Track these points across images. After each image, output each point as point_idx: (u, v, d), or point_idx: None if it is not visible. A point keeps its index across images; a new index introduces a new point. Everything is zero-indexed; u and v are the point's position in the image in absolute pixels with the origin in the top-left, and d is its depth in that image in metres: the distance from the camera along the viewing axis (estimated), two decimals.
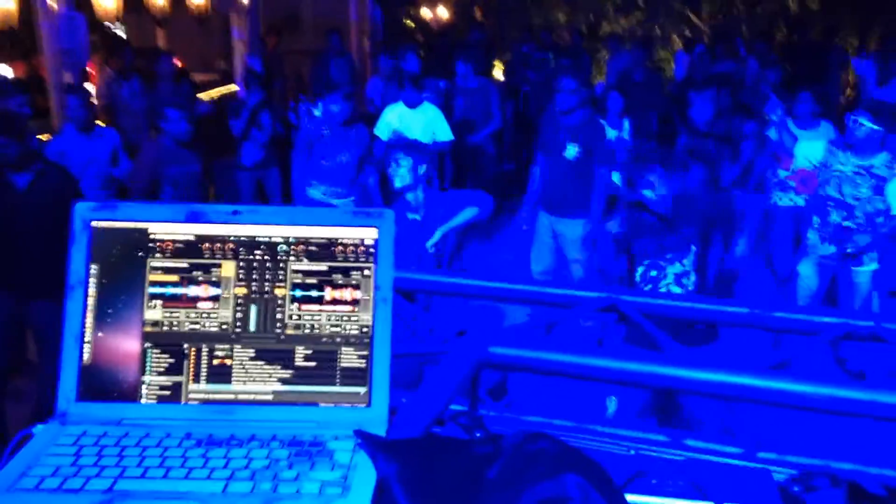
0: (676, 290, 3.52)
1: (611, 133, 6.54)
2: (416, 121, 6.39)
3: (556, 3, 14.00)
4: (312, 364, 0.97)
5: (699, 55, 9.51)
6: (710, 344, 3.57)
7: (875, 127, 4.71)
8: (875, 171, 4.73)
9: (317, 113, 7.84)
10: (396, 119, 6.38)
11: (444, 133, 6.52)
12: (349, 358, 0.97)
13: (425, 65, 9.17)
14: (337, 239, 0.99)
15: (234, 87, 9.86)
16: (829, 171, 4.86)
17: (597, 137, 5.53)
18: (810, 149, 5.39)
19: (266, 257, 0.98)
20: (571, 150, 5.51)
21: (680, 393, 2.78)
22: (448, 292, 1.42)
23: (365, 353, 0.97)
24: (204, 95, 9.25)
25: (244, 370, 0.97)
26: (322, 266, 0.99)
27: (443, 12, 15.68)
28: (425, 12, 15.66)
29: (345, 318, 0.98)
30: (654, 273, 3.57)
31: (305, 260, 0.99)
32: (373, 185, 5.76)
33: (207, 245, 0.98)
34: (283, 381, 0.97)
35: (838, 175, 4.82)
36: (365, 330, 0.98)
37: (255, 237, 0.99)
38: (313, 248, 0.99)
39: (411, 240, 3.88)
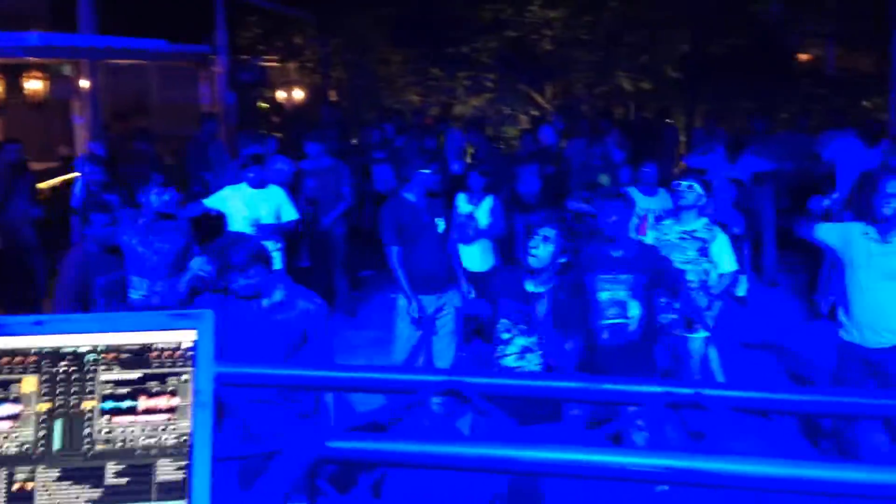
0: (521, 364, 3.61)
1: (466, 208, 6.72)
2: (261, 202, 6.35)
3: (409, 85, 14.42)
4: (124, 480, 0.91)
5: (530, 135, 9.96)
6: (557, 421, 3.65)
7: (701, 191, 5.07)
8: (697, 235, 5.08)
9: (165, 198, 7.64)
10: (241, 201, 6.31)
11: (289, 213, 6.51)
12: (166, 470, 0.92)
13: (280, 146, 9.18)
14: (151, 344, 0.95)
15: (77, 174, 9.46)
16: (658, 243, 5.13)
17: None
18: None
19: (72, 369, 0.93)
20: (441, 225, 5.64)
21: (530, 476, 2.87)
22: (281, 385, 1.38)
23: (183, 463, 0.92)
24: (44, 185, 8.80)
25: (48, 493, 0.89)
26: (135, 374, 0.94)
27: (297, 94, 15.82)
28: (280, 94, 15.74)
29: (161, 428, 0.93)
30: (506, 336, 3.65)
31: (117, 369, 0.94)
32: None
33: (6, 359, 0.91)
34: (93, 503, 0.90)
35: (666, 244, 5.11)
36: (184, 439, 0.93)
37: (59, 348, 0.93)
38: (126, 355, 0.94)
39: (264, 327, 3.77)
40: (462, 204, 6.79)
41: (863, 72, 12.67)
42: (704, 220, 5.12)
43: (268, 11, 13.66)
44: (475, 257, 6.33)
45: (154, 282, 5.25)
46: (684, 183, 5.08)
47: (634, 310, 4.30)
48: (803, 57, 13.78)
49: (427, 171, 5.65)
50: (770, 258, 8.07)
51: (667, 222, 5.17)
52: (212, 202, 6.50)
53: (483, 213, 6.69)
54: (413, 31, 13.47)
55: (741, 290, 5.98)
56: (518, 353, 3.65)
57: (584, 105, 12.92)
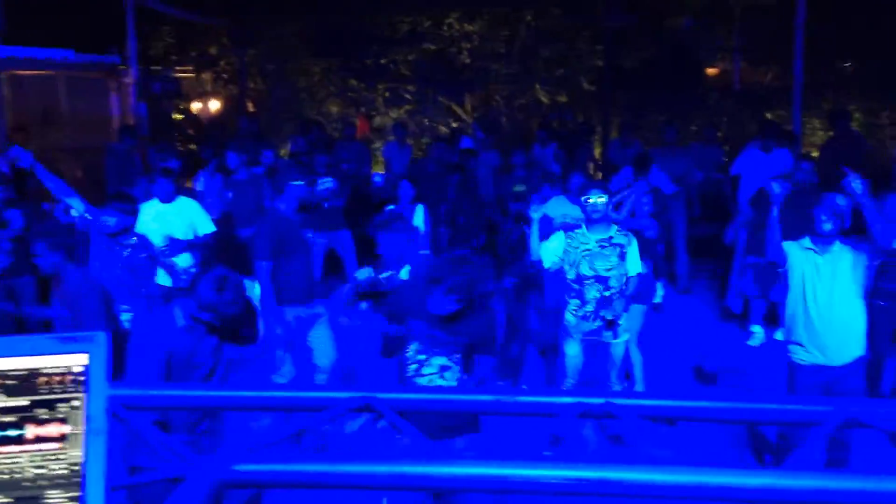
0: (440, 381, 3.60)
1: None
2: (173, 216, 6.19)
3: (328, 95, 14.31)
4: None
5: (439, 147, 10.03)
6: (473, 433, 3.66)
7: (604, 199, 5.17)
8: (615, 241, 5.18)
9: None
10: (153, 217, 6.13)
11: (205, 226, 6.36)
12: (56, 502, 0.87)
13: (197, 158, 8.96)
14: (39, 369, 0.90)
15: None
16: (575, 252, 5.21)
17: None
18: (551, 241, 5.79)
19: None
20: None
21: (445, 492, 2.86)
22: (185, 406, 1.33)
23: (75, 494, 0.88)
24: None
25: None
26: (22, 401, 0.89)
27: (214, 105, 15.49)
28: (195, 105, 15.38)
29: (51, 458, 0.88)
30: (422, 357, 3.64)
31: (2, 395, 0.88)
32: None
33: None
34: None
35: (587, 253, 5.19)
36: (75, 468, 0.88)
37: None
38: (11, 381, 0.89)
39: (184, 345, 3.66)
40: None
41: (767, 85, 13.24)
42: (615, 226, 5.24)
43: (181, 21, 13.34)
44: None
45: None
46: (594, 195, 5.17)
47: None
48: (712, 71, 14.31)
49: (299, 182, 5.61)
50: (682, 266, 8.31)
51: (580, 231, 5.25)
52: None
53: (417, 222, 6.67)
54: (333, 42, 13.39)
55: (657, 298, 6.12)
56: (437, 372, 3.64)
57: (503, 117, 13.09)
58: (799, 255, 4.44)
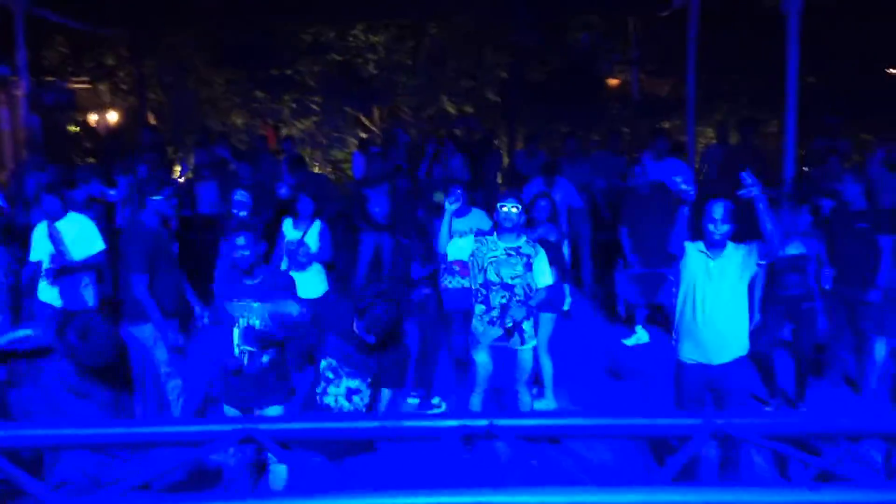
0: (345, 404, 3.58)
1: (294, 234, 6.63)
2: (64, 233, 5.97)
3: (233, 107, 14.06)
4: None
5: (372, 155, 10.10)
6: (369, 452, 3.66)
7: (518, 209, 5.26)
8: (522, 251, 5.27)
9: None
10: (41, 232, 5.91)
11: (97, 244, 6.16)
12: None
13: (91, 170, 8.63)
14: None
15: None
16: (483, 258, 5.28)
17: None
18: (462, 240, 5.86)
19: None
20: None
21: None
22: (59, 446, 1.28)
23: None
24: None
25: None
26: None
27: (112, 117, 14.98)
28: (92, 117, 14.84)
29: None
30: (330, 375, 3.61)
31: None
32: None
33: None
34: None
35: (494, 260, 5.26)
36: None
37: None
38: None
39: None
40: (289, 230, 6.69)
41: (664, 96, 13.73)
42: (524, 237, 5.32)
43: (75, 30, 12.85)
44: (308, 284, 6.24)
45: None
46: (508, 204, 5.24)
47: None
48: (612, 82, 14.75)
49: (158, 197, 5.56)
50: (588, 272, 8.53)
51: (490, 239, 5.31)
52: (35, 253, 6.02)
53: (312, 238, 6.63)
54: (236, 53, 13.17)
55: (566, 305, 6.25)
56: (343, 393, 3.62)
57: (410, 128, 13.14)
58: (693, 257, 4.62)
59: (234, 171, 9.05)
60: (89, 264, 6.08)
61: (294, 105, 13.75)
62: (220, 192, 8.52)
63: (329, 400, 3.60)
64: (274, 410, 4.07)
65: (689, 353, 4.65)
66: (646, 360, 6.91)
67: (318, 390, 3.61)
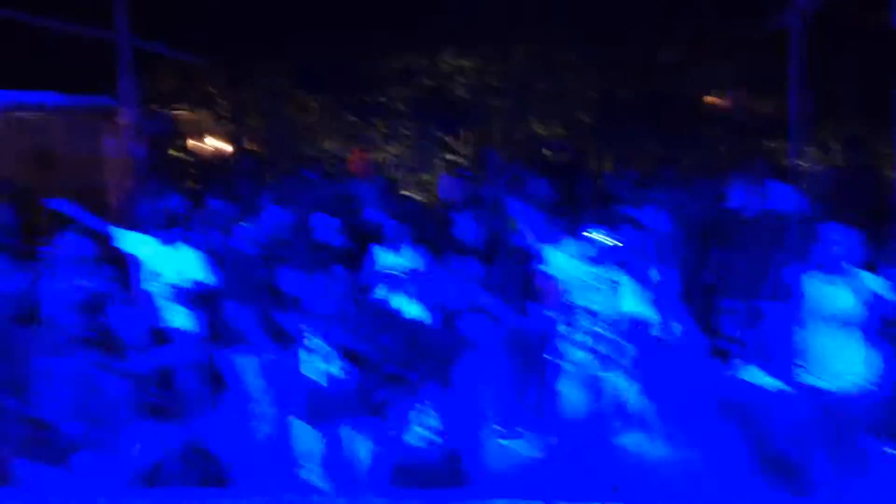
0: (423, 432, 3.47)
1: (389, 259, 6.59)
2: (170, 260, 6.13)
3: (326, 132, 14.32)
4: None
5: (459, 178, 10.02)
6: None
7: (607, 239, 5.11)
8: (610, 278, 5.10)
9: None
10: (151, 255, 6.09)
11: (202, 271, 6.29)
12: None
13: (196, 196, 8.90)
14: None
15: None
16: (571, 283, 5.14)
17: None
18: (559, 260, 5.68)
19: None
20: None
21: None
22: None
23: None
24: None
25: None
26: None
27: (213, 143, 15.50)
28: (194, 144, 15.39)
29: None
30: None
31: None
32: None
33: None
34: None
35: (582, 285, 5.11)
36: None
37: None
38: None
39: None
40: (381, 255, 6.65)
41: (764, 116, 13.15)
42: (613, 264, 5.15)
43: (178, 61, 13.40)
44: (404, 306, 6.21)
45: None
46: (597, 230, 5.12)
47: None
48: (710, 101, 14.24)
49: (252, 224, 5.64)
50: (682, 302, 8.16)
51: (578, 263, 5.18)
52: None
53: (404, 262, 6.56)
54: (328, 80, 13.43)
55: (658, 334, 5.98)
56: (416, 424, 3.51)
57: (501, 151, 13.02)
58: (809, 286, 4.36)
59: (322, 195, 9.16)
60: (193, 290, 6.23)
61: (385, 130, 13.89)
62: (307, 218, 8.59)
63: (409, 438, 3.51)
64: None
65: (810, 382, 4.49)
66: (744, 395, 6.52)
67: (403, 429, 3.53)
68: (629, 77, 12.49)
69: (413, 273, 6.49)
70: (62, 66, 10.97)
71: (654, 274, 6.10)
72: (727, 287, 6.97)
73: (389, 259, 6.59)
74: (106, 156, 11.05)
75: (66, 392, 3.80)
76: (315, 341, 5.46)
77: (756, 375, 6.77)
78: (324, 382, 4.39)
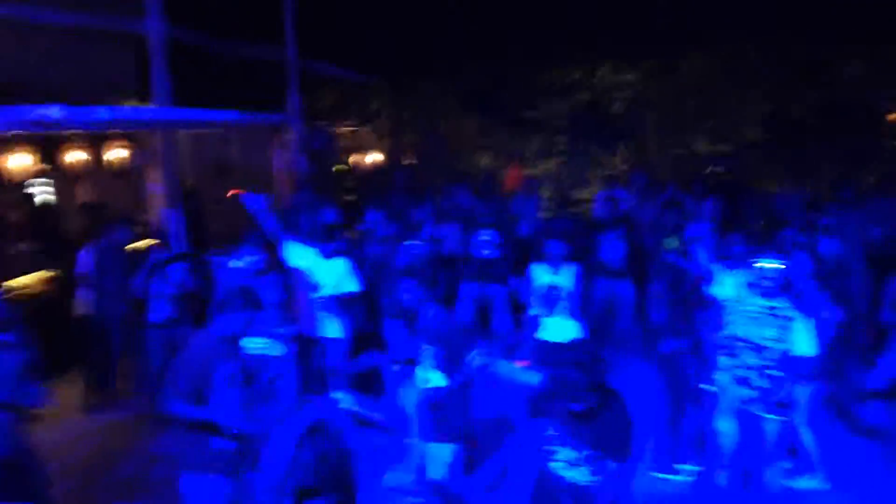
0: (572, 475, 3.34)
1: (546, 278, 6.49)
2: (327, 270, 6.32)
3: (479, 148, 14.41)
4: None
5: (609, 198, 9.74)
6: None
7: (781, 267, 4.76)
8: (780, 313, 4.74)
9: (239, 264, 7.70)
10: (308, 264, 6.31)
11: (354, 284, 6.44)
12: None
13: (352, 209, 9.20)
14: None
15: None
16: (736, 312, 4.85)
17: None
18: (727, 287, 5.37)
19: None
20: None
21: None
22: None
23: None
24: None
25: None
26: None
27: (371, 158, 16.01)
28: (354, 159, 15.96)
29: None
30: (553, 444, 3.40)
31: None
32: None
33: None
34: None
35: (747, 315, 4.81)
36: None
37: None
38: None
39: None
40: (539, 273, 6.50)
41: None
42: (785, 296, 4.80)
43: (343, 79, 13.96)
44: (559, 328, 6.09)
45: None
46: (767, 259, 4.80)
47: None
48: (892, 117, 13.15)
49: (416, 240, 5.63)
50: (861, 337, 7.51)
51: (747, 292, 4.87)
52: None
53: (564, 281, 6.38)
54: (484, 96, 13.53)
55: (834, 375, 5.55)
56: (565, 465, 3.40)
57: (658, 168, 12.61)
58: None
59: (474, 211, 9.19)
60: (345, 299, 6.41)
61: (539, 145, 13.81)
62: (462, 233, 8.65)
63: (563, 472, 3.39)
64: None
65: None
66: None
67: (546, 459, 3.41)
68: (803, 92, 11.73)
69: (568, 292, 6.34)
70: (237, 86, 11.71)
71: (828, 309, 5.63)
72: None
73: (545, 277, 6.46)
74: (274, 169, 11.65)
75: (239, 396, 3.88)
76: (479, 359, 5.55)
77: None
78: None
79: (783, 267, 4.79)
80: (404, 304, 4.83)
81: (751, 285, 4.85)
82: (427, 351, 4.72)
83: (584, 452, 3.36)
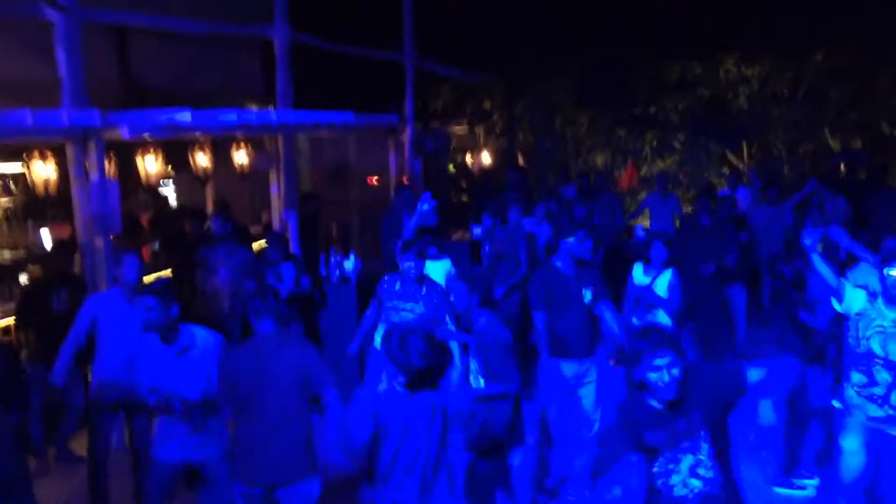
0: (695, 482, 3.20)
1: (643, 280, 6.35)
2: (436, 274, 6.38)
3: (595, 146, 14.14)
4: None
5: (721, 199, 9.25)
6: None
7: None
8: None
9: (348, 266, 7.86)
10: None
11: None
12: None
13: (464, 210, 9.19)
14: None
15: None
16: (867, 325, 4.49)
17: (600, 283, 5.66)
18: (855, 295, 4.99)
19: None
20: (588, 295, 5.53)
21: None
22: None
23: None
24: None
25: None
26: None
27: (485, 158, 16.00)
28: (467, 158, 15.98)
29: None
30: (671, 466, 3.25)
31: None
32: None
33: None
34: None
35: (880, 330, 4.44)
36: None
37: None
38: None
39: None
40: (639, 275, 6.43)
41: None
42: None
43: (457, 80, 14.00)
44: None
45: None
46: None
47: None
48: None
49: (571, 238, 5.53)
50: None
51: (878, 303, 4.48)
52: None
53: (661, 286, 6.28)
54: (599, 92, 13.27)
55: None
56: (687, 475, 3.25)
57: (785, 165, 12.00)
58: None
59: (574, 211, 9.02)
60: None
61: (656, 143, 13.41)
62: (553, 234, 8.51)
63: (679, 491, 3.26)
64: None
65: None
66: None
67: (658, 486, 3.28)
68: None
69: (665, 298, 6.21)
70: (353, 88, 11.94)
71: None
72: None
73: (645, 280, 6.35)
74: (388, 169, 11.81)
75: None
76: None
77: None
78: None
79: None
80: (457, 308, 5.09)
81: (884, 296, 4.47)
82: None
83: (704, 450, 3.22)
